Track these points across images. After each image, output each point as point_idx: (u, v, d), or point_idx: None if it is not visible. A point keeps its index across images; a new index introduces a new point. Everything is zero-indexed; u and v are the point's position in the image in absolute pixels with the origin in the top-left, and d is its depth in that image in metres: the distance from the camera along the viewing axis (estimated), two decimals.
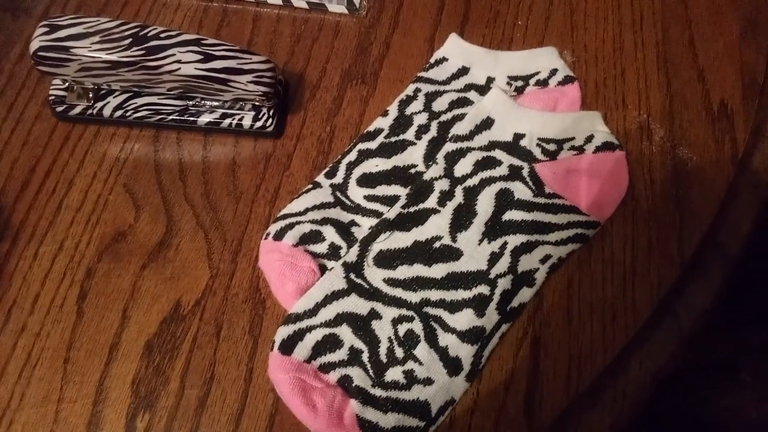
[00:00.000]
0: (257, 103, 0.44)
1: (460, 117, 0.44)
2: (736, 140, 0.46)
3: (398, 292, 0.38)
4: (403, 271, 0.38)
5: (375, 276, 0.38)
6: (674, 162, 0.45)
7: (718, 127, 0.47)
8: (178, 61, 0.40)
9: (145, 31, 0.41)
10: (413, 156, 0.43)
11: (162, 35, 0.41)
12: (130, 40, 0.40)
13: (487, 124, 0.44)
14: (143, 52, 0.40)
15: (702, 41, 0.50)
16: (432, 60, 0.47)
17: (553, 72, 0.47)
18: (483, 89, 0.46)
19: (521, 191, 0.41)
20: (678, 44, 0.50)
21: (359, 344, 0.37)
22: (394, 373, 0.36)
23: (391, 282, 0.38)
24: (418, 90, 0.46)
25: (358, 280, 0.38)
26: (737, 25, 0.51)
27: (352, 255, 0.39)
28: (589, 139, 0.43)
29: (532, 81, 0.46)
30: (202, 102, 0.45)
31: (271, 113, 0.44)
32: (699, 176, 0.44)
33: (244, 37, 0.49)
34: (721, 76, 0.49)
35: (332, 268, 0.39)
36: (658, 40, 0.50)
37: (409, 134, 0.44)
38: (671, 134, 0.46)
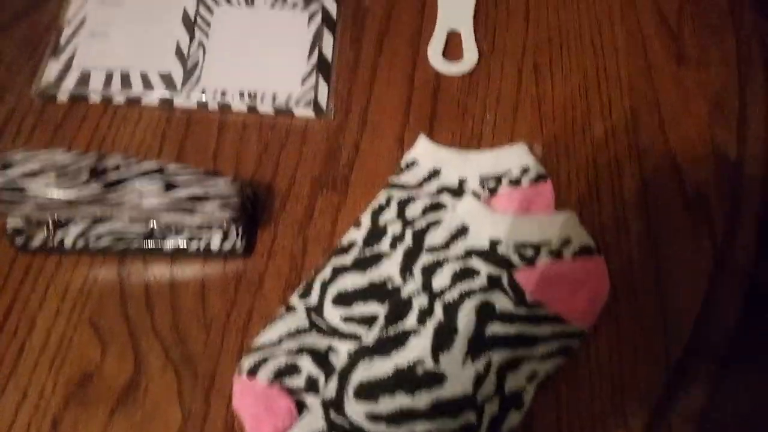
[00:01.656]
0: (225, 226, 0.42)
1: (435, 224, 0.43)
2: (714, 228, 0.45)
3: (382, 429, 0.36)
4: (386, 404, 0.37)
5: (357, 412, 0.37)
6: (653, 256, 0.44)
7: (695, 216, 0.46)
8: (140, 194, 0.39)
9: (104, 163, 0.39)
10: (389, 269, 0.42)
11: (121, 166, 0.39)
12: (88, 174, 0.39)
13: (462, 232, 0.43)
14: (102, 187, 0.38)
15: (672, 124, 0.50)
16: (402, 164, 0.47)
17: (525, 170, 0.46)
18: (456, 191, 0.45)
19: (502, 302, 0.40)
20: (648, 128, 0.50)
21: None
22: None
23: (375, 418, 0.36)
24: (390, 197, 0.45)
25: (339, 420, 0.36)
26: (705, 105, 0.51)
27: (331, 390, 0.37)
28: (566, 242, 0.43)
29: (504, 180, 0.46)
30: (168, 226, 0.43)
31: (239, 232, 0.43)
32: (679, 269, 0.44)
33: (209, 148, 0.48)
34: (693, 160, 0.48)
35: (311, 405, 0.37)
36: (628, 125, 0.50)
37: (384, 245, 0.43)
38: (648, 226, 0.45)
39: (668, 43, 0.53)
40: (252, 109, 0.49)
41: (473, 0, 0.55)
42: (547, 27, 0.54)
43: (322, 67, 0.50)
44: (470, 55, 0.52)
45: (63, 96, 0.49)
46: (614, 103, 0.51)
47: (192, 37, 0.51)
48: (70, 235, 0.43)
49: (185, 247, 0.43)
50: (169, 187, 0.39)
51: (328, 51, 0.51)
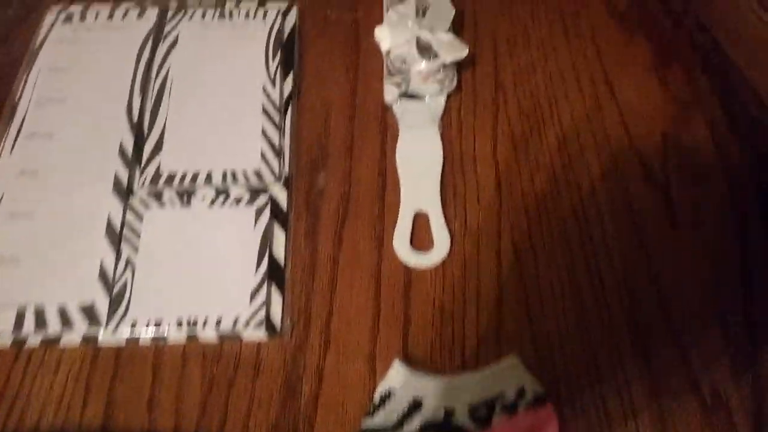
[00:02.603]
0: None
1: None
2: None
3: None
4: None
5: None
6: None
7: (715, 420, 0.40)
8: None
9: None
10: None
11: None
12: None
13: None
14: None
15: (673, 296, 0.44)
16: (376, 398, 0.39)
17: (521, 392, 0.39)
18: (443, 426, 0.38)
19: None
20: (648, 305, 0.44)
21: None
22: None
23: None
24: None
25: None
26: (708, 269, 0.45)
27: None
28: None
29: (497, 407, 0.39)
30: None
31: None
32: None
33: (143, 395, 0.40)
34: (706, 351, 0.42)
35: None
36: (624, 303, 0.44)
37: None
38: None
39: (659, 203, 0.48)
40: (192, 339, 0.42)
41: (438, 175, 0.49)
42: (522, 195, 0.49)
43: (274, 274, 0.44)
44: (441, 240, 0.46)
45: None
46: (605, 276, 0.45)
47: (118, 254, 0.44)
48: None
49: None
50: None
51: (279, 252, 0.45)
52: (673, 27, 0.58)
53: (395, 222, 0.47)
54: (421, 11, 0.55)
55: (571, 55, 0.56)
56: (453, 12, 0.54)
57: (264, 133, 0.49)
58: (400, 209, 0.47)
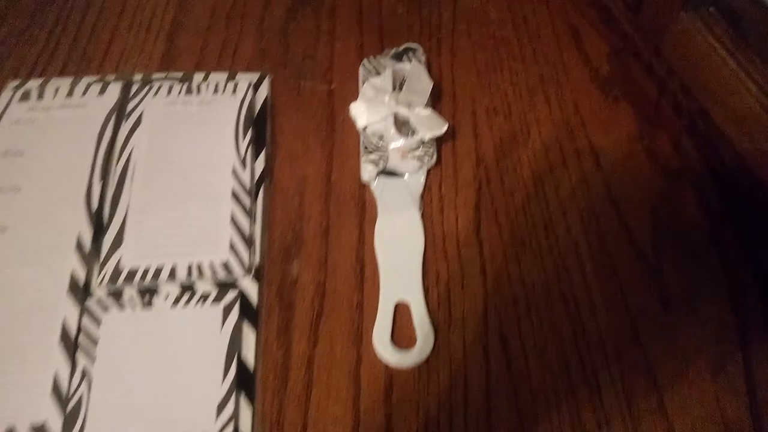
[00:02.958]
0: None
1: None
2: None
3: None
4: None
5: None
6: None
7: None
8: None
9: None
10: None
11: None
12: None
13: None
14: None
15: (672, 396, 0.41)
16: None
17: None
18: None
19: None
20: (646, 403, 0.41)
21: None
22: None
23: None
24: None
25: None
26: (707, 367, 0.43)
27: None
28: None
29: None
30: None
31: None
32: None
33: None
34: None
35: None
36: (622, 405, 0.41)
37: None
38: None
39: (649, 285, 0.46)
40: None
41: (420, 260, 0.46)
42: (509, 282, 0.46)
43: (244, 381, 0.40)
44: (424, 335, 0.43)
45: None
46: (601, 374, 0.42)
47: (74, 365, 0.40)
48: None
49: None
50: None
51: (249, 355, 0.41)
52: (658, 91, 0.56)
53: (375, 314, 0.44)
54: (398, 84, 0.53)
55: (554, 126, 0.54)
56: (431, 84, 0.52)
57: (233, 220, 0.46)
58: (379, 301, 0.44)
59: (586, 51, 0.59)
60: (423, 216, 0.49)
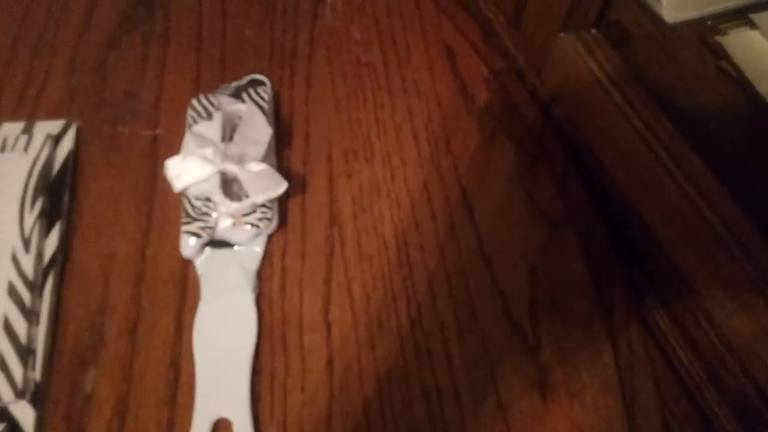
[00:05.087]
0: None
1: None
2: None
3: None
4: None
5: None
6: None
7: None
8: None
9: None
10: None
11: None
12: None
13: None
14: None
15: None
16: None
17: None
18: None
19: None
20: None
21: None
22: None
23: None
24: None
25: None
26: None
27: None
28: None
29: None
30: None
31: None
32: None
33: None
34: None
35: None
36: None
37: None
38: None
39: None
40: None
41: (249, 358, 0.38)
42: (360, 378, 0.38)
43: None
44: None
45: None
46: None
47: None
48: None
49: None
50: None
51: None
52: (542, 120, 0.49)
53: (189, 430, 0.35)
54: (229, 132, 0.43)
55: (422, 170, 0.46)
56: (270, 132, 0.43)
57: (6, 326, 0.36)
58: (193, 419, 0.35)
59: (461, 76, 0.52)
60: (258, 297, 0.40)
